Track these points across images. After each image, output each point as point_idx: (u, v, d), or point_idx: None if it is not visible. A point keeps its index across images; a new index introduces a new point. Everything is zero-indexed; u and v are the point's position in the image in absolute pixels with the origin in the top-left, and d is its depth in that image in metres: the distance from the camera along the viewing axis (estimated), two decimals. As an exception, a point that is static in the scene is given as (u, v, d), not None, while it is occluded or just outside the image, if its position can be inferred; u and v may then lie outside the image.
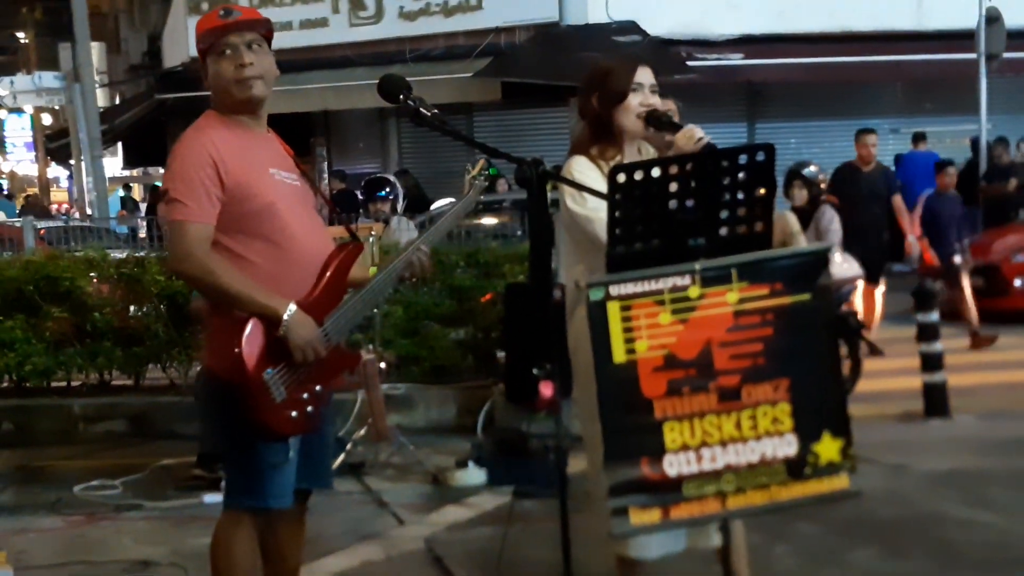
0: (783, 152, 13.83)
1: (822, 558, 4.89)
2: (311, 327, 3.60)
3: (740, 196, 3.67)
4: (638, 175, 3.59)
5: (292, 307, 3.57)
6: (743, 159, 3.66)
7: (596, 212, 3.82)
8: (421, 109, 3.46)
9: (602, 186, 3.74)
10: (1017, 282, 12.78)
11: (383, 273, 3.80)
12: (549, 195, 3.76)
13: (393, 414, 7.43)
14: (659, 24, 17.07)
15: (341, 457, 6.80)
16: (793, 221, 8.91)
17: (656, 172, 3.62)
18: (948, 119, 17.97)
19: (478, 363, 8.25)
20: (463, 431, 7.60)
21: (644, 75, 3.99)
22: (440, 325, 8.22)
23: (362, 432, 7.03)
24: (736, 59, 17.47)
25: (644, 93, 3.97)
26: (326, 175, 19.88)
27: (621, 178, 3.58)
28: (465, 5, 18.21)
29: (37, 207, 26.07)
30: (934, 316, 8.33)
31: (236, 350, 3.50)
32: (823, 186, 10.66)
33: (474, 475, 6.67)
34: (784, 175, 10.13)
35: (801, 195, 9.94)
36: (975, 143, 16.42)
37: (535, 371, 6.19)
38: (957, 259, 11.44)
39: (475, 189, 3.70)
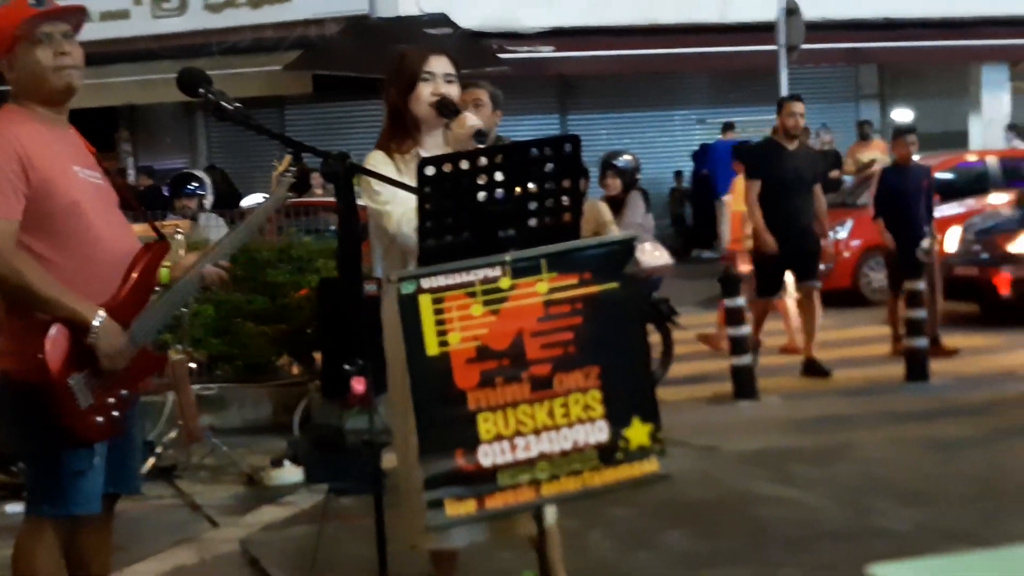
0: (595, 143, 14.14)
1: (636, 541, 4.97)
2: (119, 335, 3.51)
3: (548, 187, 3.71)
4: (447, 167, 3.60)
5: (101, 314, 3.47)
6: (550, 151, 3.70)
7: (385, 206, 3.82)
8: (222, 103, 3.37)
9: (399, 180, 3.73)
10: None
11: (189, 274, 3.70)
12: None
13: (206, 415, 7.26)
14: (470, 16, 17.11)
15: (151, 461, 6.62)
16: (605, 210, 9.03)
17: (464, 164, 3.64)
18: (752, 109, 18.51)
19: (293, 360, 8.13)
20: (279, 430, 7.48)
21: (438, 64, 3.98)
22: (253, 323, 8.06)
23: (173, 434, 6.85)
24: (547, 52, 17.65)
25: (436, 82, 3.96)
26: (132, 171, 19.33)
27: (430, 171, 3.57)
28: (273, -4, 17.94)
29: None
30: (740, 301, 8.58)
31: (40, 355, 3.38)
32: (637, 176, 10.85)
33: (290, 474, 6.58)
34: (598, 165, 10.27)
35: (615, 184, 10.08)
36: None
37: (346, 367, 6.14)
38: (925, 244, 9.92)
39: (281, 186, 3.63)
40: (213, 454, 6.94)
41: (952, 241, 11.83)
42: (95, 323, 3.45)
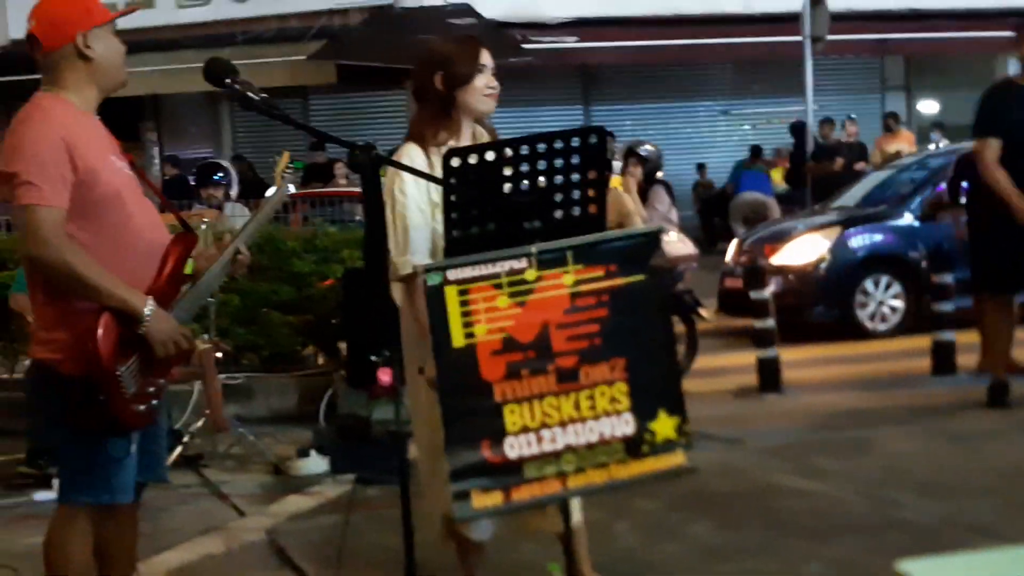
0: (619, 134, 14.05)
1: (661, 533, 4.98)
2: (171, 322, 3.55)
3: (574, 178, 3.72)
4: (472, 159, 3.61)
5: (151, 303, 3.50)
6: (576, 142, 3.71)
7: (403, 210, 3.79)
8: (248, 93, 3.39)
9: (427, 173, 3.74)
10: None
11: (216, 264, 3.74)
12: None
13: (232, 404, 7.31)
14: (494, 7, 17.11)
15: (178, 450, 6.66)
16: (628, 201, 9.03)
17: (490, 156, 3.65)
18: (776, 100, 18.46)
19: (319, 350, 8.16)
20: (305, 419, 7.52)
21: (487, 57, 4.00)
22: (279, 312, 8.10)
23: (200, 423, 6.90)
24: (570, 42, 17.64)
25: (488, 75, 3.97)
26: (157, 161, 19.40)
27: (456, 162, 3.58)
28: (298, -14, 17.98)
29: None
30: (766, 293, 8.56)
31: (91, 344, 3.41)
32: (660, 166, 10.83)
33: (316, 463, 6.61)
34: (620, 155, 10.27)
35: (636, 172, 10.09)
36: (798, 126, 16.88)
37: (373, 358, 6.16)
38: None
39: (285, 182, 3.65)
40: (239, 443, 6.98)
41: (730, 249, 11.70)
42: (147, 311, 3.48)
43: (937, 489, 5.44)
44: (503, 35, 16.82)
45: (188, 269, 3.80)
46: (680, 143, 19.04)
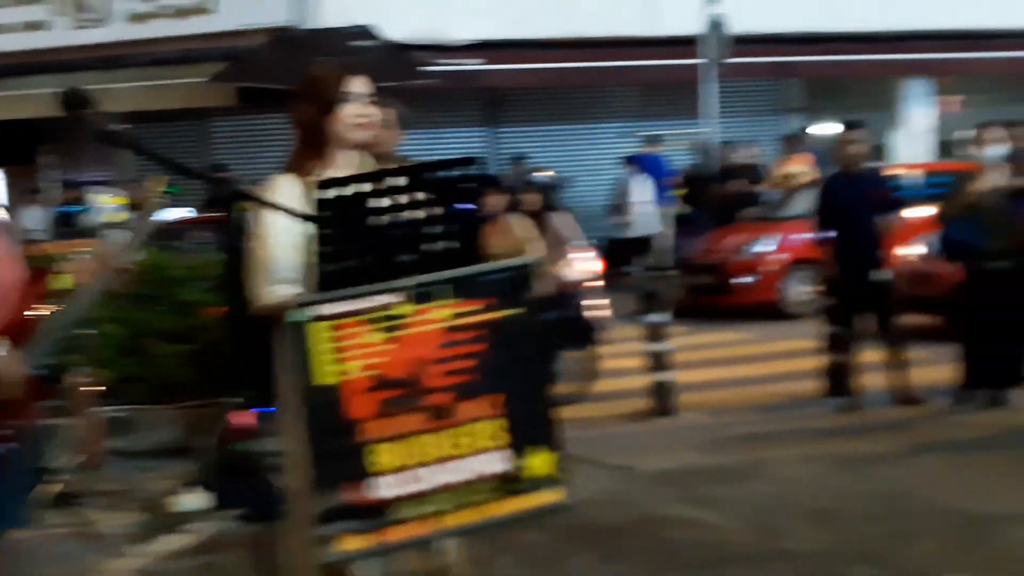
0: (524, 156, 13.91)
1: (545, 567, 4.93)
2: (20, 364, 3.39)
3: (449, 210, 3.65)
4: (345, 190, 3.53)
5: (5, 343, 3.34)
6: (451, 172, 3.65)
7: (264, 243, 3.66)
8: (101, 125, 3.26)
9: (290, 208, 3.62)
10: (739, 279, 13.34)
11: (78, 298, 3.59)
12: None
13: (115, 438, 7.10)
14: (396, 29, 17.02)
15: (50, 488, 6.43)
16: (524, 228, 8.97)
17: (363, 187, 3.57)
18: (679, 122, 18.59)
19: (207, 381, 7.96)
20: (190, 453, 7.32)
21: (360, 84, 3.89)
22: (164, 342, 7.89)
23: (75, 460, 6.68)
24: (474, 64, 17.62)
25: (360, 104, 3.87)
26: (60, 183, 18.99)
27: (329, 193, 3.50)
28: (198, 7, 17.72)
29: None
30: (661, 317, 8.56)
31: None
32: (559, 191, 10.82)
33: (196, 500, 6.43)
34: (517, 181, 10.25)
35: (533, 200, 10.06)
36: (700, 146, 17.05)
37: (225, 399, 6.01)
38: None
39: (149, 207, 3.52)
40: (117, 480, 6.79)
41: None
42: (1, 353, 3.33)
43: (823, 516, 5.45)
44: (404, 57, 16.74)
45: (68, 284, 3.65)
46: (585, 165, 19.08)
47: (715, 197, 15.81)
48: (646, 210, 16.64)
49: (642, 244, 16.31)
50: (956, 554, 4.76)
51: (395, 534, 3.49)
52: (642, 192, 16.71)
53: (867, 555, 4.83)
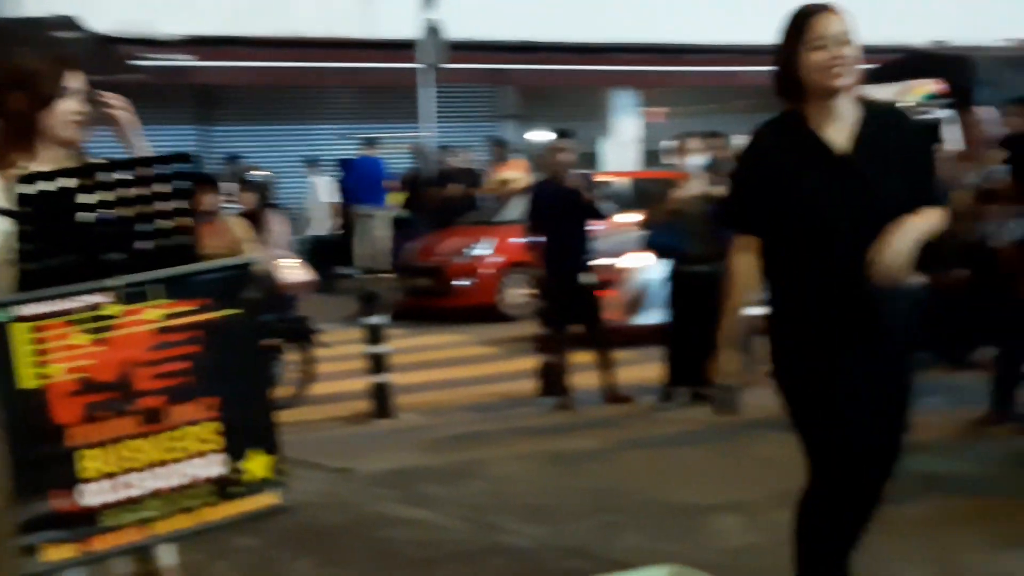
0: (237, 155, 13.63)
1: (261, 571, 4.84)
2: None
3: (161, 207, 3.53)
4: (49, 185, 3.37)
5: None
6: (163, 168, 3.54)
7: None
8: None
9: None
10: (458, 282, 13.51)
11: None
12: None
13: None
14: (102, 20, 16.35)
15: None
16: (242, 228, 8.81)
17: (69, 182, 3.42)
18: (396, 125, 18.67)
19: None
20: None
21: (77, 80, 3.72)
22: None
23: None
24: (186, 60, 17.15)
25: (76, 100, 3.69)
26: None
27: (31, 189, 3.33)
28: None
29: None
30: (380, 319, 8.56)
31: None
32: (272, 191, 10.67)
33: None
34: (233, 180, 10.04)
35: (249, 199, 9.89)
36: (418, 150, 17.17)
37: None
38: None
39: None
40: None
41: None
42: None
43: (538, 512, 5.58)
44: (110, 51, 16.13)
45: None
46: (299, 165, 18.87)
47: (433, 201, 15.94)
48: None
49: (343, 245, 16.28)
50: (664, 543, 4.96)
51: (105, 542, 3.35)
52: (324, 193, 16.87)
53: (579, 548, 4.97)
